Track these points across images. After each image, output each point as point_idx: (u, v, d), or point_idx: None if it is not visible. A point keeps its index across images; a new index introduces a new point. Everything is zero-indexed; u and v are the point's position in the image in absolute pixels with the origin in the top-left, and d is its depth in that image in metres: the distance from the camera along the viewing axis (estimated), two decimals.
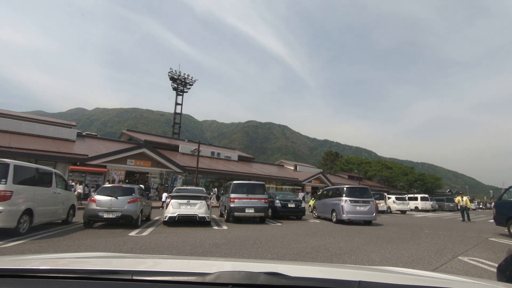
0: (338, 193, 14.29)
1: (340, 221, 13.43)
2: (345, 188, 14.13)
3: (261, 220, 12.82)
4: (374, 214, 13.59)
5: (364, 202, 13.51)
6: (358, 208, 13.32)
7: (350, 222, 13.55)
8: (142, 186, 23.34)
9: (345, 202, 13.37)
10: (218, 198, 25.75)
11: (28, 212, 7.56)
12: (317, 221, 14.41)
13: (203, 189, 14.03)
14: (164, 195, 22.74)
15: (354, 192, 13.86)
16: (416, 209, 30.94)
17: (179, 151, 34.82)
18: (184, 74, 48.99)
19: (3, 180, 6.89)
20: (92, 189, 21.54)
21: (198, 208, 10.68)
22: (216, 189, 29.06)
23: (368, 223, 13.85)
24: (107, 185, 11.65)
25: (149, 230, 9.37)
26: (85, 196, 19.67)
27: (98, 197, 9.69)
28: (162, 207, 16.68)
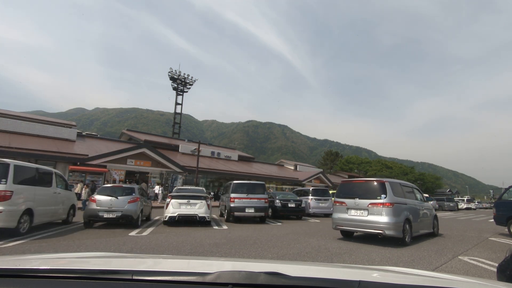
0: (305, 192, 17.49)
1: (307, 214, 16.26)
2: (311, 189, 17.47)
3: (261, 220, 12.83)
4: (331, 209, 15.95)
5: (324, 199, 16.83)
6: (320, 204, 16.68)
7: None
8: (144, 184, 23.61)
9: (311, 200, 16.61)
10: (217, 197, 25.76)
11: (28, 212, 7.56)
12: (317, 220, 14.42)
13: (203, 189, 14.03)
14: (157, 187, 23.35)
15: (318, 192, 17.22)
16: None
17: (179, 151, 34.82)
18: (184, 74, 49.00)
19: (3, 180, 6.89)
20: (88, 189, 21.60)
21: (198, 208, 10.68)
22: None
23: (327, 215, 16.26)
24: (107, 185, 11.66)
25: (149, 230, 9.38)
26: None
27: (98, 197, 9.70)
28: (155, 199, 16.75)
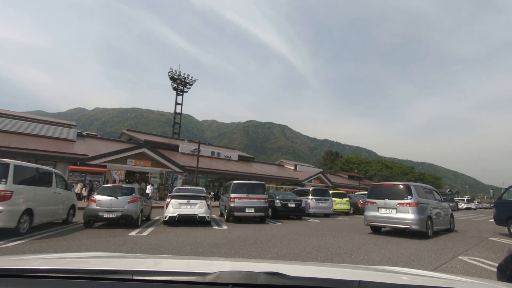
0: (305, 192, 17.51)
1: (307, 214, 16.19)
2: (311, 189, 17.46)
3: (261, 220, 12.83)
4: (331, 209, 17.09)
5: (324, 200, 16.83)
6: (320, 204, 16.63)
7: (349, 221, 13.67)
8: (144, 184, 23.56)
9: (311, 200, 16.58)
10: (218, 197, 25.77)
11: (28, 212, 7.55)
12: (317, 220, 14.42)
13: (203, 189, 14.03)
14: (148, 186, 23.05)
15: (317, 192, 17.18)
16: None
17: (179, 151, 34.82)
18: (184, 74, 49.00)
19: (3, 180, 6.89)
20: (84, 189, 21.53)
21: (198, 208, 10.68)
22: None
23: (327, 215, 17.04)
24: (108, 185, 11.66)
25: (149, 230, 9.37)
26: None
27: (98, 197, 9.69)
28: (148, 197, 16.62)
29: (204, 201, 10.87)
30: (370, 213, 10.03)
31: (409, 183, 9.71)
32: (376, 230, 10.43)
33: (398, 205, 9.37)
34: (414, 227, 8.96)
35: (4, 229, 6.89)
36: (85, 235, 8.00)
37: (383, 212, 9.70)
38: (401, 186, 9.68)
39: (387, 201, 9.65)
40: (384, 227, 10.16)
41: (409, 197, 9.24)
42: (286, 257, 5.97)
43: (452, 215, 11.72)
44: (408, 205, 9.16)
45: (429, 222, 9.30)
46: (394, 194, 9.65)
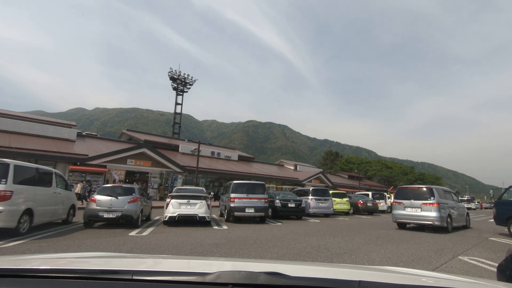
0: (305, 192, 17.62)
1: (307, 214, 16.21)
2: (311, 189, 17.57)
3: (261, 220, 12.83)
4: (331, 209, 17.09)
5: (324, 199, 16.88)
6: (320, 204, 16.67)
7: (349, 221, 13.72)
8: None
9: (311, 200, 16.67)
10: (217, 197, 25.69)
11: (28, 212, 7.56)
12: (317, 220, 14.42)
13: (203, 189, 14.03)
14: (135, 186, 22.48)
15: (317, 192, 17.24)
16: None
17: (179, 151, 34.82)
18: (184, 74, 49.00)
19: (3, 180, 6.89)
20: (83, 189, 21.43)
21: (198, 208, 10.68)
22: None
23: (327, 215, 17.03)
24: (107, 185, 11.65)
25: (149, 230, 9.37)
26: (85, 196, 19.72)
27: (98, 197, 9.69)
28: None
29: (204, 201, 10.87)
30: (398, 212, 11.50)
31: (432, 186, 11.30)
32: (402, 226, 11.81)
33: (422, 204, 10.83)
34: (436, 223, 10.40)
35: (4, 229, 6.89)
36: (85, 235, 8.00)
37: (409, 211, 11.19)
38: (424, 189, 11.23)
39: (412, 201, 11.11)
40: (409, 223, 11.56)
41: (431, 198, 10.71)
42: (286, 257, 5.97)
43: (468, 213, 13.31)
44: (431, 205, 10.65)
45: (449, 219, 10.77)
46: (418, 195, 11.11)
